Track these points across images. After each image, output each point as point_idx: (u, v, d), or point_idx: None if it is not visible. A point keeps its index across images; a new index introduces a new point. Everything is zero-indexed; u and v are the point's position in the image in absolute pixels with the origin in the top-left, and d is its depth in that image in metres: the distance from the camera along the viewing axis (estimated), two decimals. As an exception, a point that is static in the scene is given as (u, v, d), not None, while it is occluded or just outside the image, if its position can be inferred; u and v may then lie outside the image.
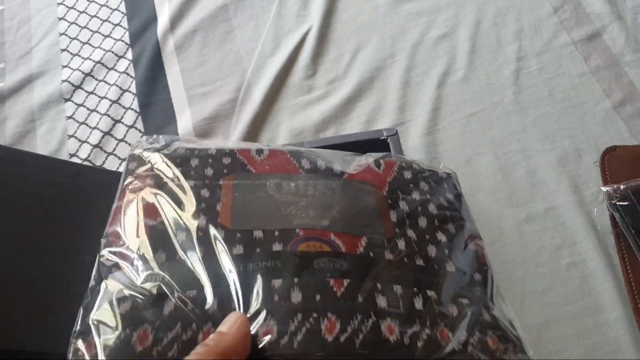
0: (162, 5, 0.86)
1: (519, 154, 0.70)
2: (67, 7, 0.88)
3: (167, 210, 0.45)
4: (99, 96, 0.79)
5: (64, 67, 0.82)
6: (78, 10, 0.88)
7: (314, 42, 0.80)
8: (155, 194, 0.46)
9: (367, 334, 0.38)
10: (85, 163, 0.72)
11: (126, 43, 0.84)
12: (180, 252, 0.42)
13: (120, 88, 0.79)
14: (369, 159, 0.53)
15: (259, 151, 0.52)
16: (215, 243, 0.43)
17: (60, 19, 0.87)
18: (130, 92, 0.79)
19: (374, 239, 0.45)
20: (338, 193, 0.48)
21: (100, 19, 0.87)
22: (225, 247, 0.43)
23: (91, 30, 0.86)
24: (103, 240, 0.43)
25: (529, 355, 0.41)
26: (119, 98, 0.78)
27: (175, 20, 0.84)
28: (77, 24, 0.86)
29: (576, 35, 0.78)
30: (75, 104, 0.78)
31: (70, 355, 0.37)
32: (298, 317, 0.38)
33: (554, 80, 0.75)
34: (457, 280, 0.44)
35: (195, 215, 0.45)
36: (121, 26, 0.85)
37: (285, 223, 0.45)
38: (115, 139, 0.75)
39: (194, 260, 0.41)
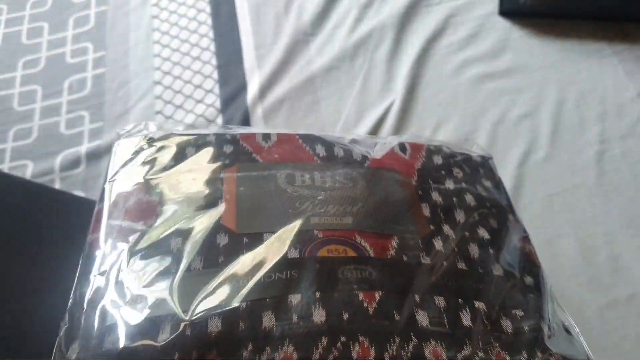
0: (253, 75, 0.91)
1: (601, 238, 0.69)
2: (163, 72, 0.94)
3: (160, 212, 0.37)
4: (188, 158, 0.83)
5: (157, 128, 0.87)
6: (173, 76, 0.93)
7: (396, 116, 0.83)
8: (146, 192, 0.38)
9: None
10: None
11: (217, 109, 0.88)
12: (176, 266, 0.35)
13: (209, 151, 0.83)
14: (392, 141, 0.46)
15: (266, 137, 0.44)
16: (219, 252, 0.35)
17: (156, 82, 0.93)
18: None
19: (406, 239, 0.38)
20: (361, 184, 0.41)
21: (194, 85, 0.92)
22: (230, 257, 0.35)
23: (184, 95, 0.91)
24: (84, 251, 0.37)
25: None
26: (207, 161, 0.82)
27: (265, 90, 0.88)
28: (171, 89, 0.92)
29: (662, 121, 0.78)
30: (166, 164, 0.82)
31: None
32: (323, 342, 0.31)
33: (638, 164, 0.74)
34: (507, 286, 0.38)
35: (194, 217, 0.37)
36: (213, 93, 0.90)
37: (301, 223, 0.38)
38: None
39: (193, 276, 0.34)
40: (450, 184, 0.42)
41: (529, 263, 0.40)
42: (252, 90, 0.89)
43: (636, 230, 0.69)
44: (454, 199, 0.42)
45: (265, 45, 0.93)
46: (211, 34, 0.97)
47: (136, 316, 0.32)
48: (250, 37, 0.95)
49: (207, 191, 0.38)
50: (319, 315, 0.32)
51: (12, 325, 0.46)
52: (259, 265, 0.34)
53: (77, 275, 0.36)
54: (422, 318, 0.33)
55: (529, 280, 0.39)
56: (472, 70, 0.87)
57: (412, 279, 0.35)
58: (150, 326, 0.31)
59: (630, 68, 0.83)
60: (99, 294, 0.34)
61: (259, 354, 0.30)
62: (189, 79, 0.93)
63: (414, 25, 0.92)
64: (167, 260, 0.35)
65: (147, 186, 0.38)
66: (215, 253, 0.35)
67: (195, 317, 0.31)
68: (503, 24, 0.90)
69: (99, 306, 0.33)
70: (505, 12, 0.90)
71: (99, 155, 0.84)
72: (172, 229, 0.36)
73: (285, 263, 0.34)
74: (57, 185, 0.82)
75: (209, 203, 0.38)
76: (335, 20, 0.94)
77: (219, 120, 0.86)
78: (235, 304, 0.32)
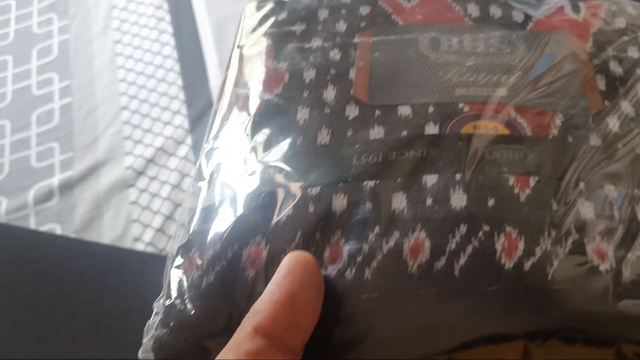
0: (218, 92, 0.91)
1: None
2: (129, 97, 0.94)
3: (287, 81, 0.34)
4: (161, 181, 0.83)
5: (127, 154, 0.87)
6: (140, 100, 0.94)
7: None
8: (273, 59, 0.36)
9: (565, 260, 0.26)
10: (149, 247, 0.76)
11: (186, 129, 0.88)
12: (301, 137, 0.31)
13: (181, 173, 0.83)
14: (562, 1, 0.39)
15: None
16: (347, 124, 0.32)
17: (123, 108, 0.93)
18: (190, 176, 0.83)
19: (573, 117, 0.31)
20: (521, 49, 0.35)
21: (161, 107, 0.92)
22: (360, 131, 0.31)
23: (152, 119, 0.91)
24: (210, 121, 0.35)
25: None
26: (179, 182, 0.82)
27: (231, 106, 0.89)
28: (139, 113, 0.92)
29: None
30: (139, 189, 0.83)
31: (169, 267, 0.28)
32: (461, 230, 0.26)
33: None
34: None
35: (322, 85, 0.34)
36: (180, 114, 0.91)
37: (444, 94, 0.32)
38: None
39: (317, 148, 0.31)
40: (634, 52, 0.36)
41: None
42: (219, 108, 0.89)
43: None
44: (638, 70, 0.35)
45: (230, 62, 0.93)
46: (175, 55, 0.97)
47: (251, 186, 0.29)
48: (214, 55, 0.95)
49: (338, 58, 0.35)
50: (458, 200, 0.27)
51: None
52: (390, 141, 0.30)
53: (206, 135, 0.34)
54: (587, 210, 0.27)
55: None
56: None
57: (577, 164, 0.29)
58: (269, 200, 0.29)
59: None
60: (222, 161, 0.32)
61: (386, 238, 0.27)
62: (155, 101, 0.93)
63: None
64: (292, 134, 0.31)
65: (275, 52, 0.35)
66: (344, 126, 0.31)
67: (320, 191, 0.28)
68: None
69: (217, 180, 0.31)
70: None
71: (71, 186, 0.84)
72: (324, 99, 0.33)
73: (421, 139, 0.30)
74: (32, 220, 0.82)
75: (340, 72, 0.34)
76: (297, 31, 0.94)
77: (188, 141, 0.87)
78: (362, 181, 0.29)
